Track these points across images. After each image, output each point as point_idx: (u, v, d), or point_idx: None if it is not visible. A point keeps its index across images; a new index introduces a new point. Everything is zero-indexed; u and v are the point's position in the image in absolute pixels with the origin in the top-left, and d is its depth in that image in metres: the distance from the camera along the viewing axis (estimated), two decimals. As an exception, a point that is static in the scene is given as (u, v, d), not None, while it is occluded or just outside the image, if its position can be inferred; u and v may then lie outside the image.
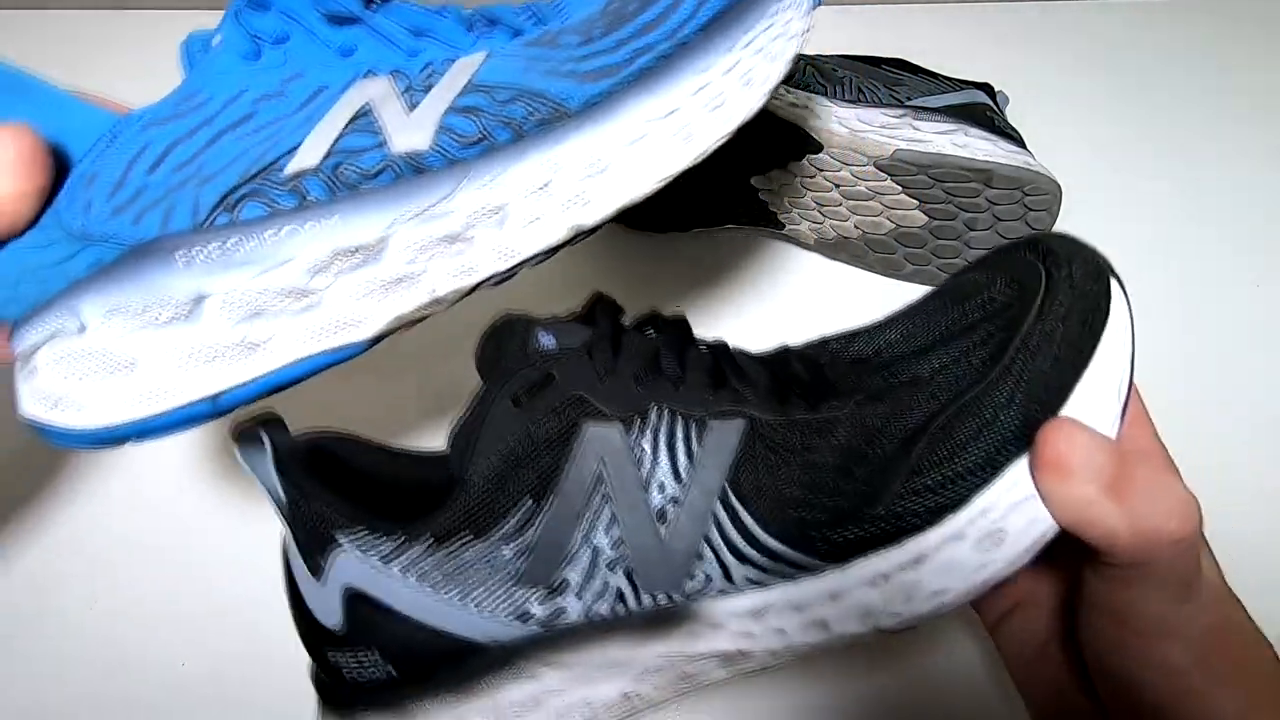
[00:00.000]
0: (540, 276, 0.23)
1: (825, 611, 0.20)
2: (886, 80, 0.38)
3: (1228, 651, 0.20)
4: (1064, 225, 0.37)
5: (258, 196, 0.19)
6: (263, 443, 0.21)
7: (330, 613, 0.21)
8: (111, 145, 0.19)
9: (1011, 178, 0.35)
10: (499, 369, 0.21)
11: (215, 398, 0.19)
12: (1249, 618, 0.21)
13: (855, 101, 0.37)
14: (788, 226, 0.40)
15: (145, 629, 0.32)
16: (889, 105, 0.37)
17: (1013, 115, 0.39)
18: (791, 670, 0.30)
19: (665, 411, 0.20)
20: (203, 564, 0.33)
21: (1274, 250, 0.42)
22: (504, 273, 0.20)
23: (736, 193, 0.39)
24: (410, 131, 0.19)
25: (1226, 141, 0.46)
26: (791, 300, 0.40)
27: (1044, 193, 0.36)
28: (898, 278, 0.41)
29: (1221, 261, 0.41)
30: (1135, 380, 0.21)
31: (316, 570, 0.20)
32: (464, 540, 0.20)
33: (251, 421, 0.22)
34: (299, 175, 0.19)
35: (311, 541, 0.20)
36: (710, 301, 0.40)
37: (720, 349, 0.23)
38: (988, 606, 0.25)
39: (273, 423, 0.22)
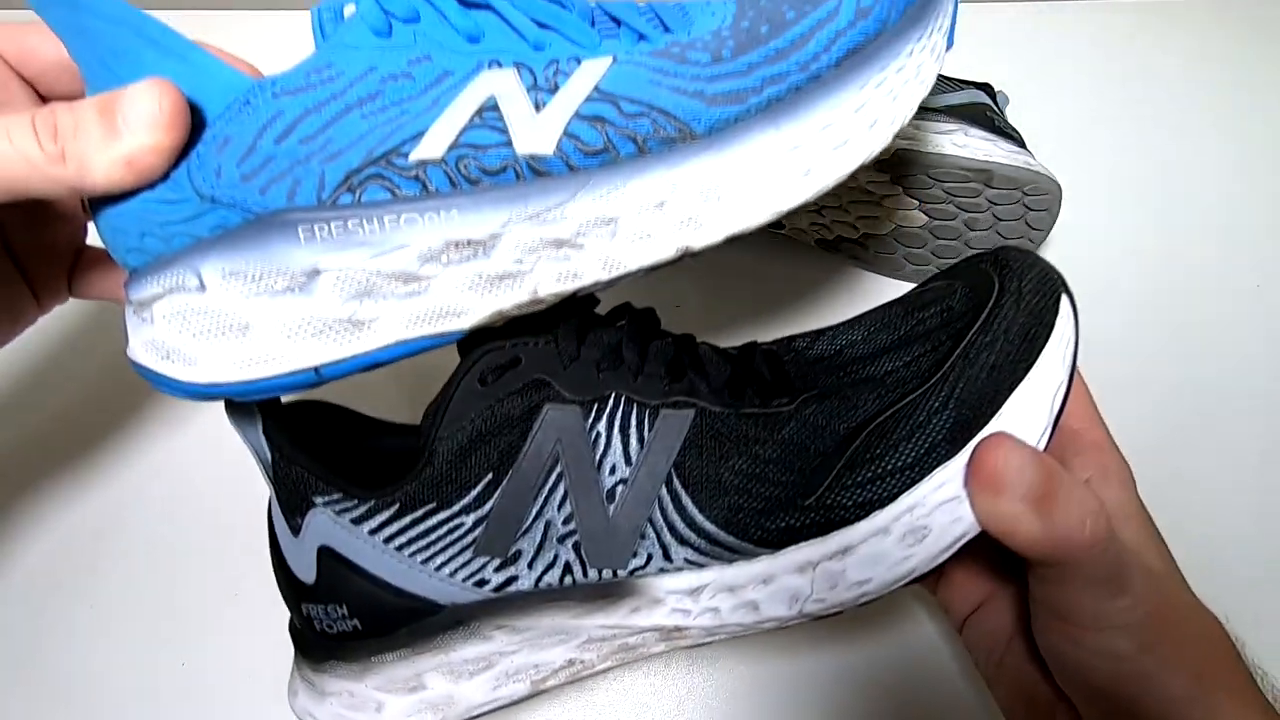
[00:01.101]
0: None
1: (756, 594, 0.21)
2: None
3: (1172, 635, 0.21)
4: (1064, 225, 0.38)
5: (381, 180, 0.19)
6: (252, 407, 0.22)
7: (306, 568, 0.22)
8: (244, 110, 0.20)
9: (1011, 178, 0.35)
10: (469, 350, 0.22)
11: (318, 369, 0.20)
12: (1196, 600, 0.22)
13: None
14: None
15: (145, 629, 0.32)
16: None
17: (1013, 115, 0.39)
18: (780, 668, 0.31)
19: (622, 399, 0.21)
20: (204, 564, 0.33)
21: (1274, 251, 0.42)
22: (606, 282, 0.20)
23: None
24: (535, 133, 0.19)
25: (1227, 141, 0.45)
26: (791, 300, 0.40)
27: (1044, 193, 0.36)
28: (898, 278, 0.41)
29: (1221, 262, 0.41)
30: (1108, 378, 0.23)
31: (296, 529, 0.22)
32: (429, 509, 0.21)
33: None
34: (422, 164, 0.19)
35: (292, 501, 0.22)
36: (710, 301, 0.40)
37: (685, 342, 0.24)
38: (955, 606, 0.26)
39: None
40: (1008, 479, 0.19)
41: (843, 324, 0.24)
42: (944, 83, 0.38)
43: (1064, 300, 0.22)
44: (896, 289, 0.40)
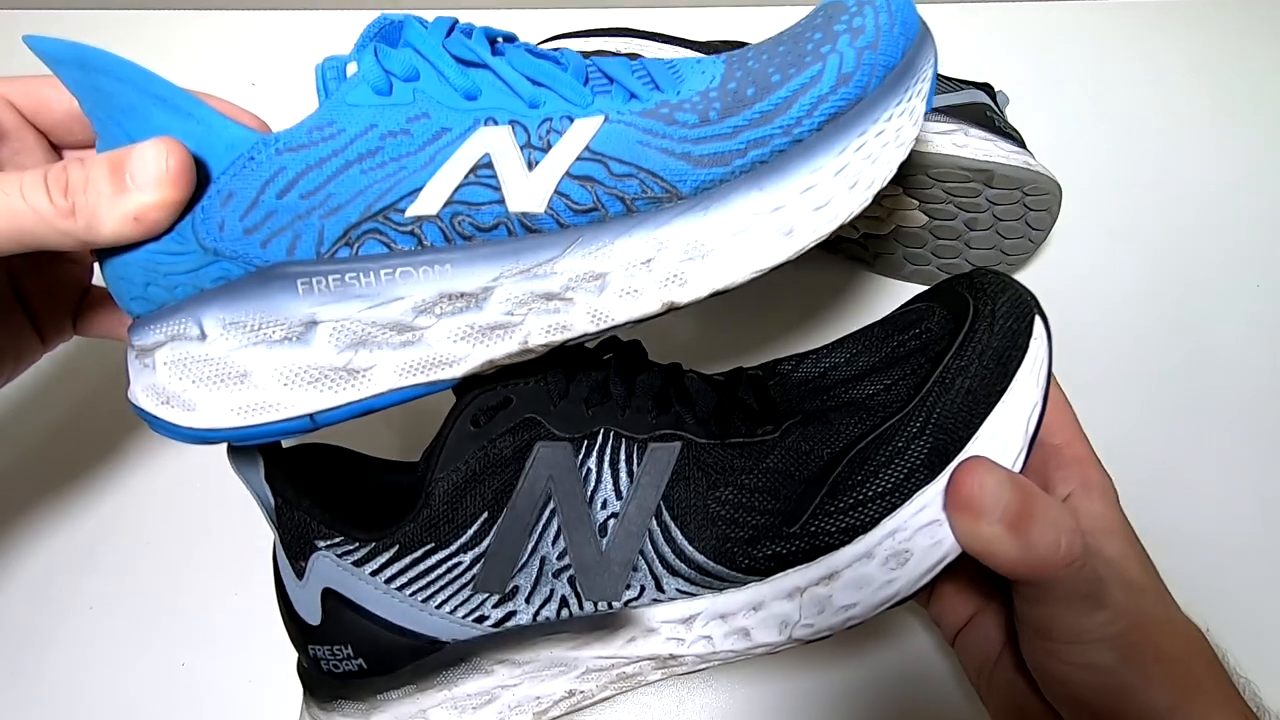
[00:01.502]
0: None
1: (747, 620, 0.22)
2: None
3: (1152, 648, 0.21)
4: (1064, 225, 0.38)
5: (378, 235, 0.20)
6: (254, 453, 0.23)
7: (311, 610, 0.23)
8: (248, 166, 0.20)
9: (1011, 178, 0.35)
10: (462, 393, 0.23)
11: (313, 416, 0.21)
12: (1178, 612, 0.22)
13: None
14: None
15: (145, 630, 0.32)
16: None
17: (1013, 115, 0.39)
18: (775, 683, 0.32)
19: (611, 434, 0.22)
20: (203, 566, 0.33)
21: (1274, 250, 0.42)
22: (594, 334, 0.21)
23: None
24: (527, 192, 0.20)
25: (1227, 141, 0.45)
26: (791, 300, 0.40)
27: (1044, 193, 0.36)
28: (898, 278, 0.41)
29: (1221, 261, 0.41)
30: (1103, 388, 0.23)
31: (300, 572, 0.22)
32: (427, 549, 0.22)
33: None
34: (418, 220, 0.20)
35: (295, 545, 0.22)
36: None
37: (671, 373, 0.25)
38: (946, 620, 0.27)
39: None
40: (984, 503, 0.20)
41: (826, 347, 0.25)
42: (944, 82, 0.38)
43: (1037, 322, 0.22)
44: (896, 289, 0.41)
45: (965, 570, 0.27)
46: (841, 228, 0.36)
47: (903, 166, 0.35)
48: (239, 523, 0.33)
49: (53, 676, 0.31)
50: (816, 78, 0.21)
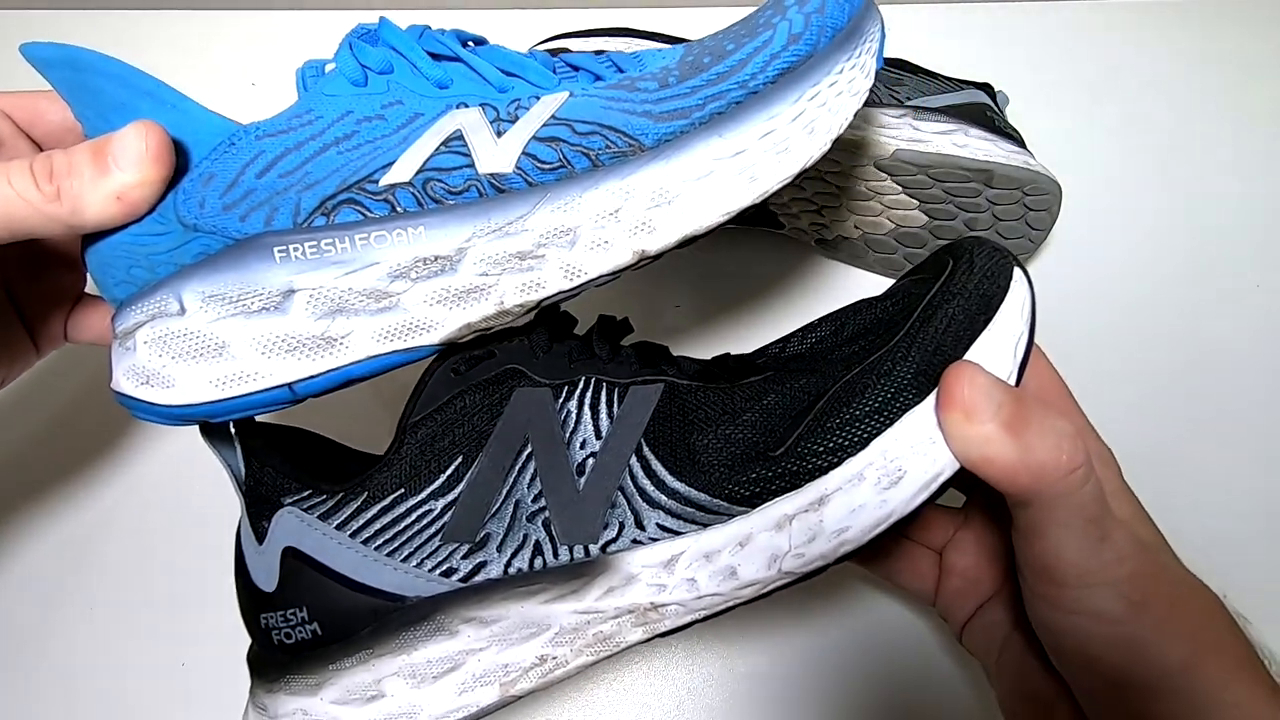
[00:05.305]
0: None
1: (733, 558, 0.21)
2: (886, 80, 0.38)
3: (1165, 599, 0.20)
4: (1064, 225, 0.38)
5: (353, 204, 0.21)
6: (225, 426, 0.23)
7: (269, 576, 0.22)
8: (229, 151, 0.21)
9: (1011, 178, 0.35)
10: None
11: (292, 386, 0.21)
12: (1191, 574, 0.21)
13: (855, 102, 0.37)
14: (788, 226, 0.40)
15: (144, 630, 0.32)
16: (889, 105, 0.37)
17: (1013, 115, 0.39)
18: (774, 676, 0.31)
19: (592, 380, 0.22)
20: (202, 565, 0.33)
21: (1274, 250, 0.41)
22: (569, 291, 0.21)
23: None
24: (496, 155, 0.21)
25: (1227, 141, 0.45)
26: (791, 300, 0.40)
27: (1044, 193, 0.36)
28: (897, 278, 0.40)
29: (1221, 261, 0.41)
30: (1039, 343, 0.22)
31: (261, 534, 0.22)
32: (397, 495, 0.21)
33: None
34: (391, 187, 0.21)
35: (260, 507, 0.22)
36: (710, 301, 0.40)
37: (657, 346, 0.24)
38: (954, 613, 0.26)
39: None
40: (977, 401, 0.19)
41: (811, 323, 0.25)
42: (944, 83, 0.39)
43: (1016, 270, 0.22)
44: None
45: (970, 558, 0.26)
46: (858, 173, 0.35)
47: (903, 167, 0.37)
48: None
49: (53, 677, 0.31)
50: (768, 40, 0.22)
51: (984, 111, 0.38)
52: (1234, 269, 0.41)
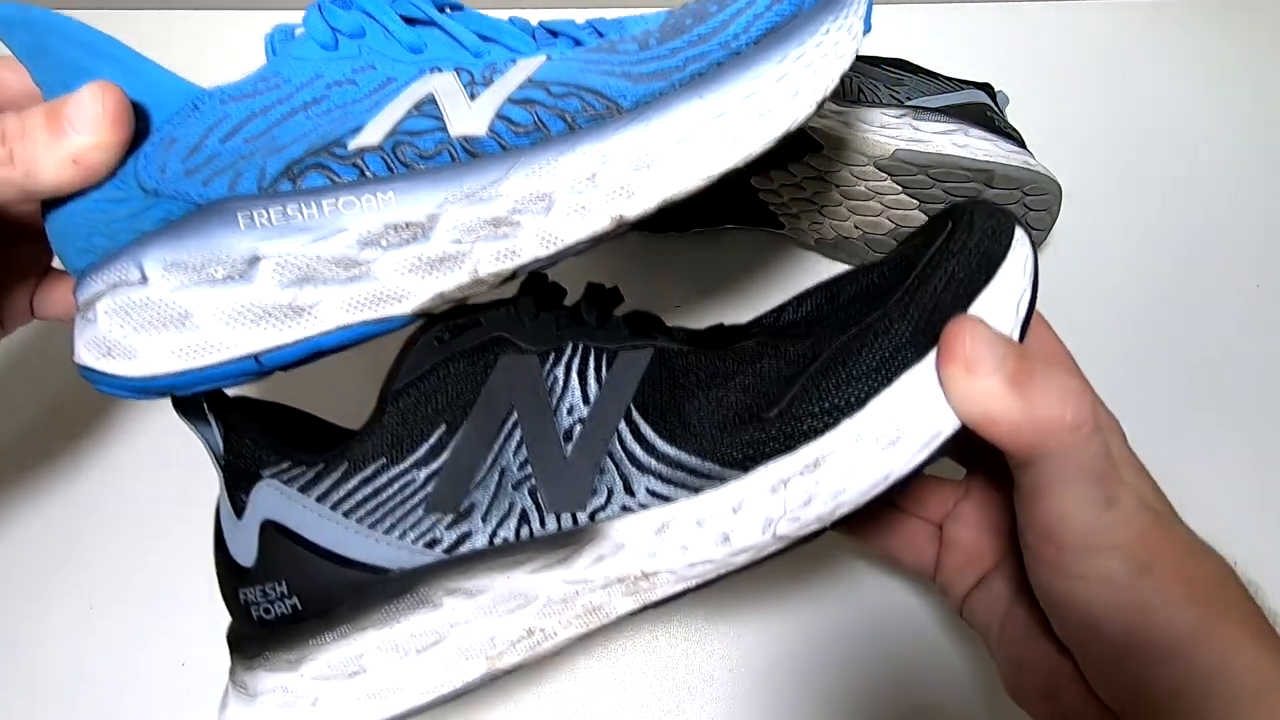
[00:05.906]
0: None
1: (726, 524, 0.20)
2: (886, 80, 0.38)
3: (1173, 563, 0.19)
4: (1064, 225, 0.37)
5: (320, 169, 0.20)
6: (199, 400, 0.22)
7: (247, 550, 0.21)
8: (192, 115, 0.20)
9: (1011, 178, 0.35)
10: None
11: (258, 356, 0.20)
12: (1200, 539, 0.21)
13: (855, 101, 0.36)
14: (788, 226, 0.40)
15: (144, 630, 0.31)
16: (889, 105, 0.37)
17: (1013, 115, 0.39)
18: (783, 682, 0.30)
19: (580, 346, 0.21)
20: (202, 564, 0.32)
21: (1274, 250, 0.41)
22: (545, 259, 0.21)
23: (736, 193, 0.39)
24: (469, 118, 0.20)
25: (1226, 141, 0.45)
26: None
27: (1044, 193, 0.36)
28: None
29: (1221, 262, 0.41)
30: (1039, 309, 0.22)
31: (240, 507, 0.21)
32: (379, 465, 0.20)
33: None
34: (361, 151, 0.20)
35: (238, 480, 0.21)
36: (710, 301, 0.40)
37: (648, 314, 0.24)
38: (955, 587, 0.26)
39: None
40: (978, 354, 0.18)
41: (805, 291, 0.24)
42: (944, 83, 0.39)
43: (1018, 229, 0.22)
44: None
45: (971, 530, 0.26)
46: (858, 173, 0.34)
47: (903, 167, 0.37)
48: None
49: (52, 676, 0.31)
50: (752, 1, 0.21)
51: (984, 111, 0.38)
52: (1234, 269, 0.41)
